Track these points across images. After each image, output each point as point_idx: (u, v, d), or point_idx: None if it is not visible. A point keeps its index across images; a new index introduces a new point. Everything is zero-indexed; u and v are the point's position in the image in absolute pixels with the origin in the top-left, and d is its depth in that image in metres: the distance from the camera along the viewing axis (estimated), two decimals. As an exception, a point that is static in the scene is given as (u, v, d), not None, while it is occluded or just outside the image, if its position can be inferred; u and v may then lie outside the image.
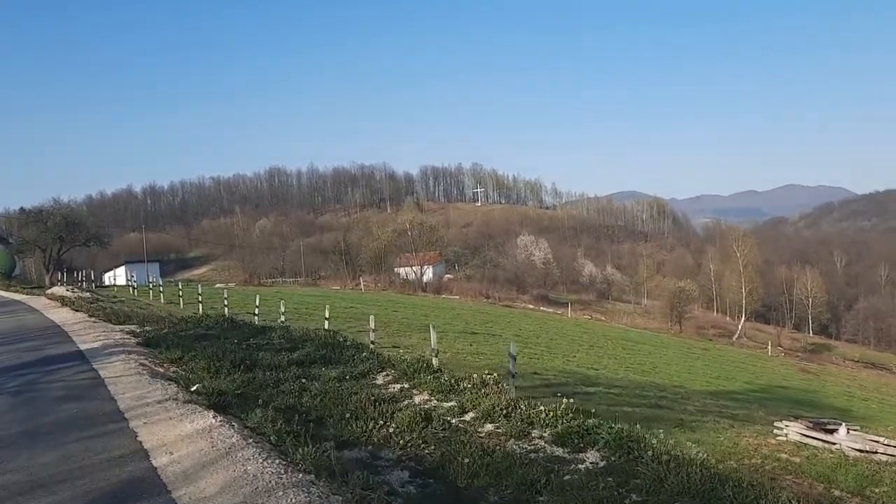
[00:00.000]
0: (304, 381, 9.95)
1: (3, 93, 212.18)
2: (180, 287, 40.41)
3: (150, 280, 70.56)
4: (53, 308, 21.85)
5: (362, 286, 76.94)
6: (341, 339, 14.09)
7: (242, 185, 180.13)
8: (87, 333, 14.72)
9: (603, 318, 79.47)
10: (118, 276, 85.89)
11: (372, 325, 15.45)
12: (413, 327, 35.84)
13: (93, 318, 17.89)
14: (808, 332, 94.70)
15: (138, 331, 15.11)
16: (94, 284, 56.63)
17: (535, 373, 18.32)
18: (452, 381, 9.73)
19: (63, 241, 64.27)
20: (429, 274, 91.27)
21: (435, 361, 11.66)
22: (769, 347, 67.33)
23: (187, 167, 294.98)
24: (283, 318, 27.96)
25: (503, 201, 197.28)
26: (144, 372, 10.03)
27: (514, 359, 11.30)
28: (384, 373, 10.77)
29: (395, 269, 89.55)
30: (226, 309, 25.37)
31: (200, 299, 36.57)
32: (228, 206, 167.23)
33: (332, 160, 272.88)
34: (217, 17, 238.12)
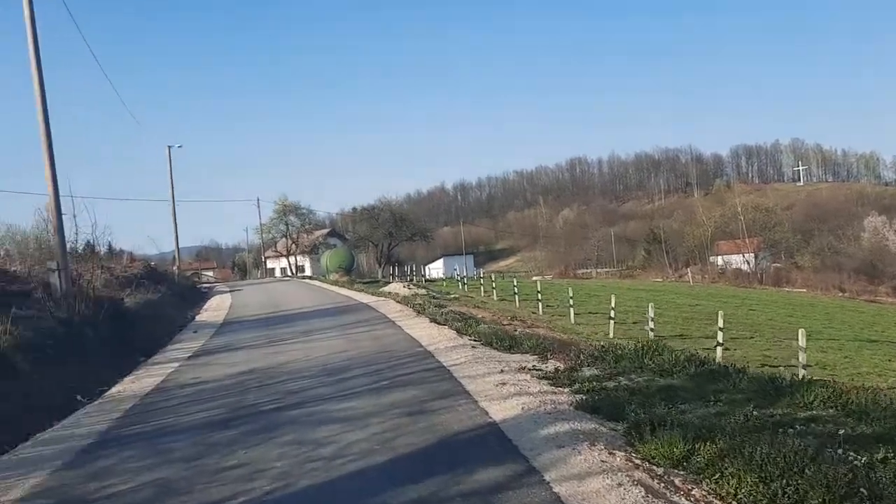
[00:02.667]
0: None
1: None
2: (515, 284, 35.96)
3: (464, 272, 69.11)
4: (407, 317, 17.60)
5: (689, 278, 67.60)
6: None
7: (544, 177, 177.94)
8: (476, 373, 9.40)
9: None
10: (434, 269, 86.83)
11: None
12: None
13: (466, 338, 12.89)
14: None
15: (550, 370, 9.48)
16: (423, 278, 55.53)
17: None
18: None
19: (392, 236, 64.90)
20: (742, 263, 78.74)
21: None
22: None
23: (493, 162, 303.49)
24: (651, 328, 21.54)
25: (830, 179, 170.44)
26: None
27: None
28: None
29: (711, 259, 78.88)
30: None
31: (540, 297, 31.58)
32: (532, 198, 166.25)
33: (633, 146, 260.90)
34: (522, 11, 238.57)
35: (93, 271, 18.38)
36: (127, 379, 12.23)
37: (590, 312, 31.27)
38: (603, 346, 10.57)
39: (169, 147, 46.87)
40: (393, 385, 9.08)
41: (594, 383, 8.34)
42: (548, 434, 6.33)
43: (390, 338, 13.78)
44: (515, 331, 14.30)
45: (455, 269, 65.34)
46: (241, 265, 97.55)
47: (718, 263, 76.83)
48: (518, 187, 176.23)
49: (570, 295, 29.09)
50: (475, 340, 12.64)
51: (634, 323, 28.32)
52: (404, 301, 22.74)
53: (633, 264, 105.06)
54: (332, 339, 14.33)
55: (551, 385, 8.47)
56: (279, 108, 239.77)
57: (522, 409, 7.24)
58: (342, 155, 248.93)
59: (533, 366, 9.92)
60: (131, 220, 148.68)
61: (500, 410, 7.28)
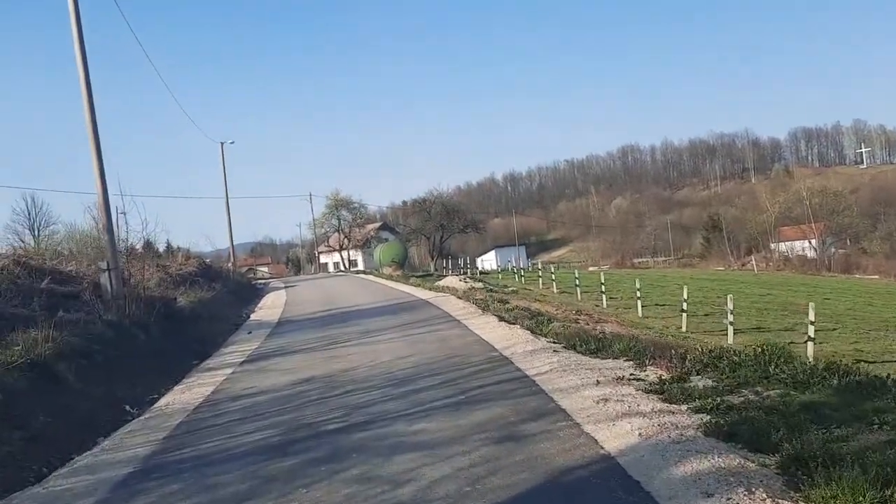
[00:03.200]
0: None
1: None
2: (577, 276, 34.36)
3: (517, 263, 67.50)
4: (472, 315, 16.28)
5: (753, 266, 64.66)
6: None
7: (596, 165, 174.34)
8: (568, 384, 8.02)
9: None
10: (487, 261, 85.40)
11: None
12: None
13: (543, 340, 11.52)
14: None
15: (653, 380, 8.03)
16: (477, 271, 54.19)
17: None
18: None
19: (444, 228, 63.77)
20: (807, 250, 75.03)
21: None
22: None
23: (542, 152, 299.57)
24: (730, 322, 19.82)
25: (895, 161, 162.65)
26: None
27: None
28: None
29: (771, 245, 75.48)
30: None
31: (603, 288, 29.95)
32: (583, 187, 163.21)
33: (686, 132, 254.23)
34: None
35: (143, 270, 17.54)
36: (178, 388, 11.26)
37: (657, 304, 29.49)
38: (712, 351, 9.04)
39: (222, 143, 46.62)
40: (471, 400, 7.77)
41: (715, 399, 6.87)
42: (684, 474, 4.93)
43: (458, 340, 12.49)
44: (595, 329, 12.84)
45: (509, 261, 63.78)
46: (294, 260, 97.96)
47: (781, 250, 73.45)
48: (569, 176, 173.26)
49: (638, 287, 27.43)
50: (554, 342, 11.25)
51: (706, 315, 26.49)
52: (465, 297, 21.47)
53: (689, 252, 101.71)
54: (394, 342, 13.12)
55: (663, 401, 7.05)
56: (330, 102, 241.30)
57: (639, 435, 5.85)
58: (392, 148, 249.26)
59: (631, 374, 8.50)
60: (188, 218, 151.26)
61: (611, 437, 5.90)
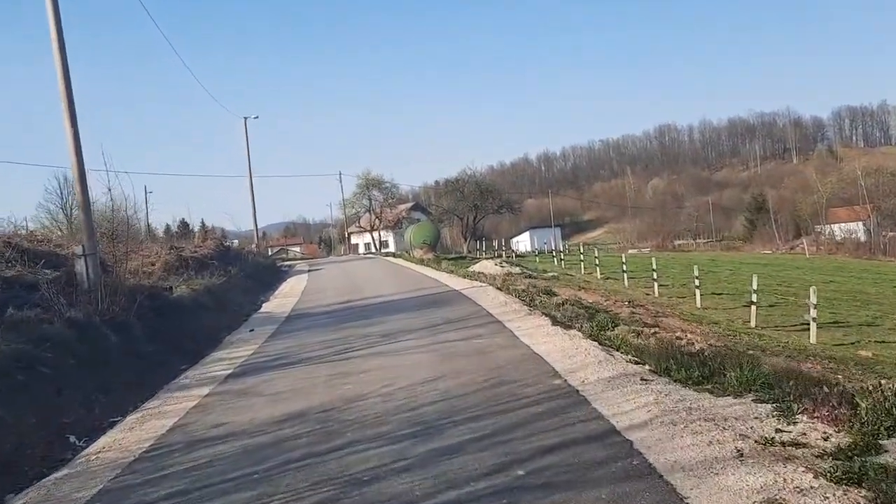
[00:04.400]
0: None
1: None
2: (624, 260, 30.94)
3: (553, 245, 64.12)
4: (516, 314, 13.03)
5: (805, 250, 60.33)
6: None
7: (631, 146, 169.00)
8: (696, 458, 4.88)
9: None
10: (521, 243, 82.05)
11: None
12: None
13: (619, 357, 8.38)
14: None
15: (825, 447, 4.92)
16: (513, 254, 50.90)
17: None
18: None
19: (478, 208, 60.60)
20: (859, 232, 70.28)
21: None
22: None
23: (576, 132, 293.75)
24: (813, 318, 16.54)
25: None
26: None
27: None
28: None
29: (818, 228, 70.97)
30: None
31: (655, 275, 26.63)
32: (618, 167, 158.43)
33: (725, 111, 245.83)
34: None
35: (128, 255, 14.73)
36: (132, 418, 8.40)
37: (713, 293, 26.05)
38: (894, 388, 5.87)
39: (245, 118, 43.92)
40: (533, 485, 4.71)
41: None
42: None
43: (503, 353, 9.36)
44: (682, 340, 9.64)
45: (545, 243, 60.49)
46: (327, 241, 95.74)
47: (831, 233, 68.79)
48: (604, 157, 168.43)
49: (696, 274, 24.00)
50: (636, 362, 8.12)
51: (771, 307, 23.06)
52: (504, 287, 18.34)
53: (729, 234, 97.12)
54: (421, 353, 10.07)
55: (871, 502, 3.94)
56: (361, 80, 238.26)
57: None
58: (424, 127, 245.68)
59: (778, 431, 5.37)
60: (225, 200, 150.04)
61: None
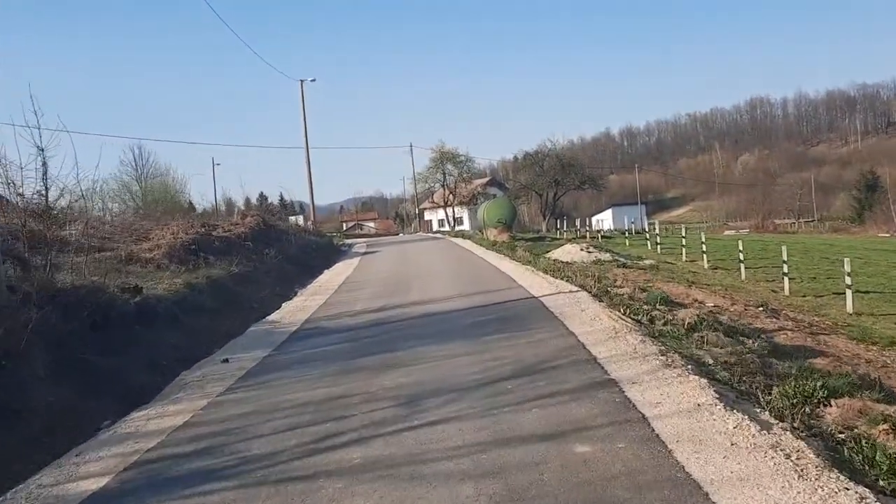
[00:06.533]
0: None
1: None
2: (741, 249, 24.40)
3: (640, 224, 57.45)
4: (645, 367, 6.97)
5: (934, 234, 51.20)
6: None
7: (720, 120, 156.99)
8: None
9: None
10: (604, 220, 75.02)
11: None
12: None
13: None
14: None
15: None
16: (599, 234, 44.45)
17: None
18: None
19: (558, 184, 54.27)
20: None
21: None
22: None
23: (662, 105, 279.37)
24: None
25: None
26: None
27: None
28: None
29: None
30: None
31: (786, 268, 20.15)
32: (706, 142, 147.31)
33: (823, 83, 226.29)
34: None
35: (49, 247, 9.82)
36: None
37: (859, 290, 19.09)
38: None
39: (301, 81, 39.16)
40: None
41: None
42: None
43: (636, 489, 3.83)
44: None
45: (633, 222, 53.85)
46: (403, 216, 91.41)
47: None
48: (690, 131, 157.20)
49: (848, 269, 17.34)
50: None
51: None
52: (603, 292, 12.63)
53: (829, 215, 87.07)
54: (464, 459, 4.62)
55: None
56: (436, 50, 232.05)
57: None
58: (501, 100, 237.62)
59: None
60: (300, 174, 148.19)
61: None
